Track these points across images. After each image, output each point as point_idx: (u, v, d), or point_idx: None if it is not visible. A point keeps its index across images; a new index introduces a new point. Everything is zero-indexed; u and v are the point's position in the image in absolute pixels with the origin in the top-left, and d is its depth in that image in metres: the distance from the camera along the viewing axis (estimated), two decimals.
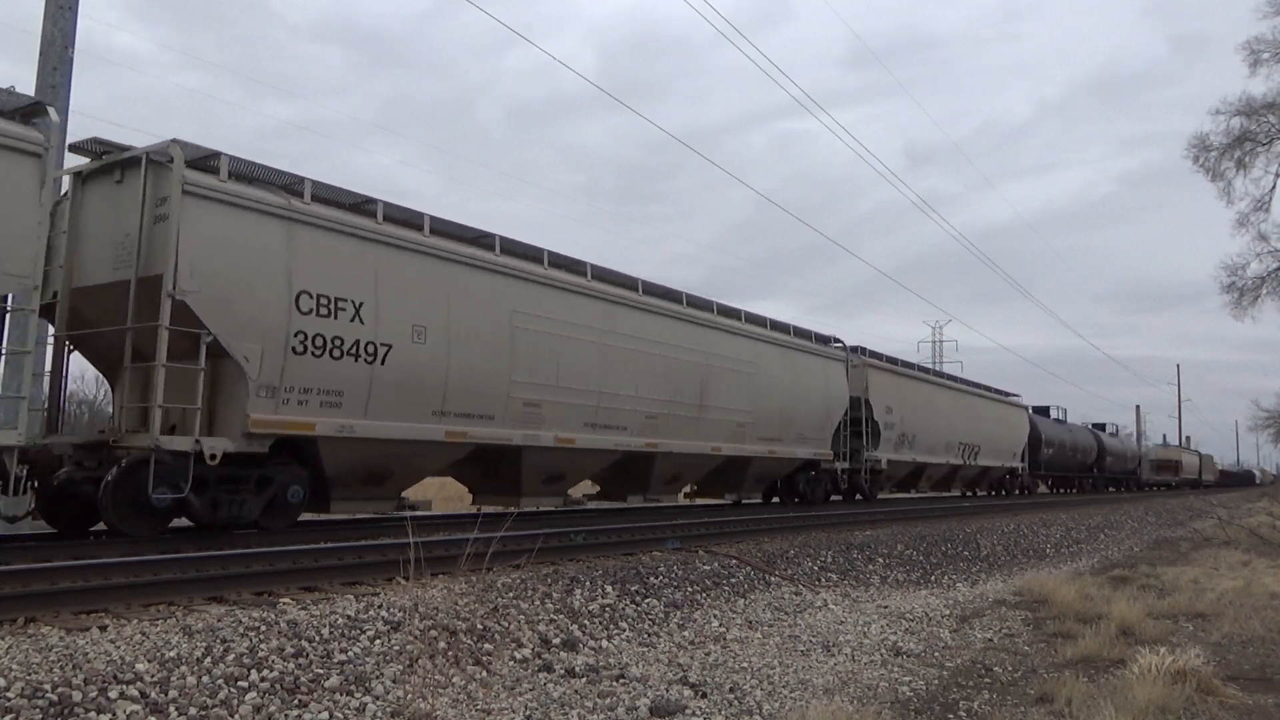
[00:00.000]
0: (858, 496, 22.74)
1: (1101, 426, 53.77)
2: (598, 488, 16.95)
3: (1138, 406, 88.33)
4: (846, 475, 21.61)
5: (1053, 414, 43.21)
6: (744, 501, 19.75)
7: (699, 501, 19.44)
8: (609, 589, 8.31)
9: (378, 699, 5.17)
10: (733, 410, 17.00)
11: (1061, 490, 45.82)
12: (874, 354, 23.38)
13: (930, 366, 32.26)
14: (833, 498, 21.77)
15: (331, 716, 4.89)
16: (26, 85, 9.97)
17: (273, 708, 4.83)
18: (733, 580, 9.84)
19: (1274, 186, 27.33)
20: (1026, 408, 35.70)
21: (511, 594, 7.44)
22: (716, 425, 16.52)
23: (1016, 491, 35.33)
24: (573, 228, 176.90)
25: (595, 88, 42.10)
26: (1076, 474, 45.13)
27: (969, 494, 33.14)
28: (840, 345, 21.64)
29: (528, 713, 5.34)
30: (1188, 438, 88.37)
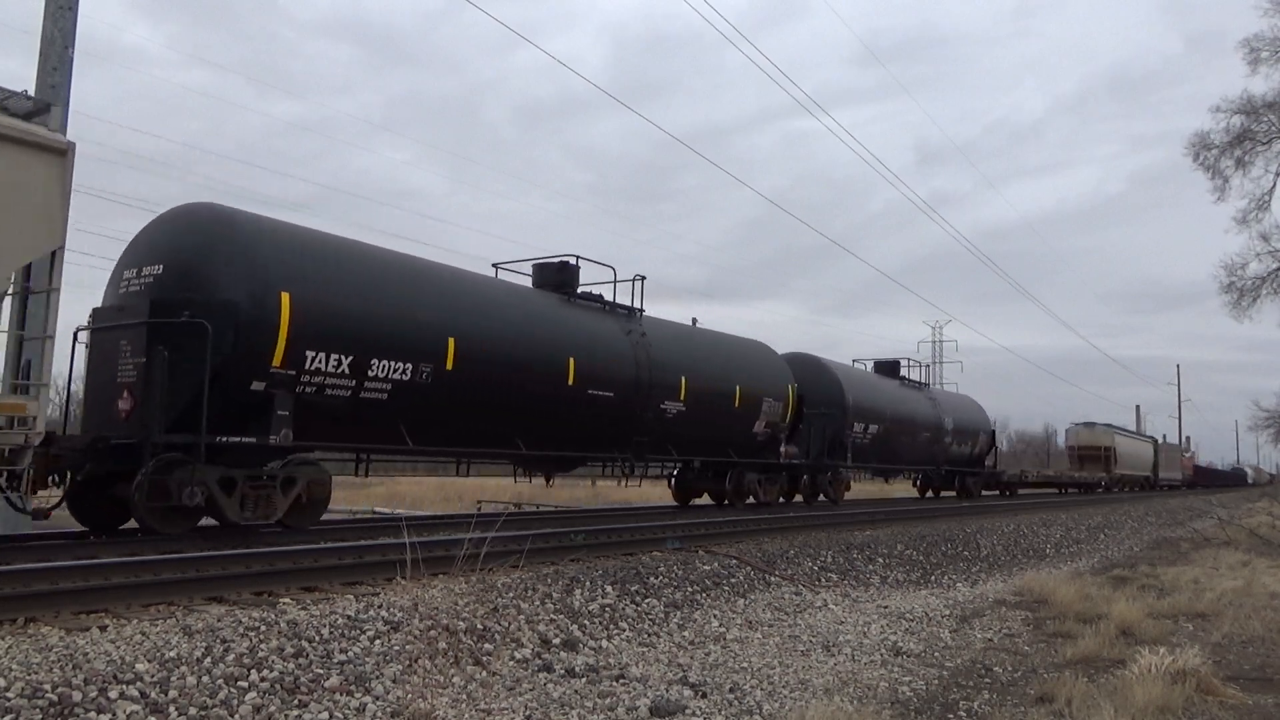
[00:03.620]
0: None
1: (893, 366, 27.77)
2: None
3: (1137, 406, 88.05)
4: None
5: (590, 289, 15.80)
6: None
7: None
8: (609, 589, 8.31)
9: (378, 699, 5.17)
10: None
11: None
12: None
13: None
14: None
15: (331, 716, 4.89)
16: (27, 84, 10.03)
17: (273, 708, 4.83)
18: (733, 580, 9.85)
19: (1274, 186, 27.29)
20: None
21: (511, 594, 7.44)
22: None
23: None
24: (576, 228, 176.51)
25: (596, 88, 42.12)
26: (701, 455, 17.30)
27: None
28: None
29: (528, 713, 5.34)
30: (1188, 437, 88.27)
